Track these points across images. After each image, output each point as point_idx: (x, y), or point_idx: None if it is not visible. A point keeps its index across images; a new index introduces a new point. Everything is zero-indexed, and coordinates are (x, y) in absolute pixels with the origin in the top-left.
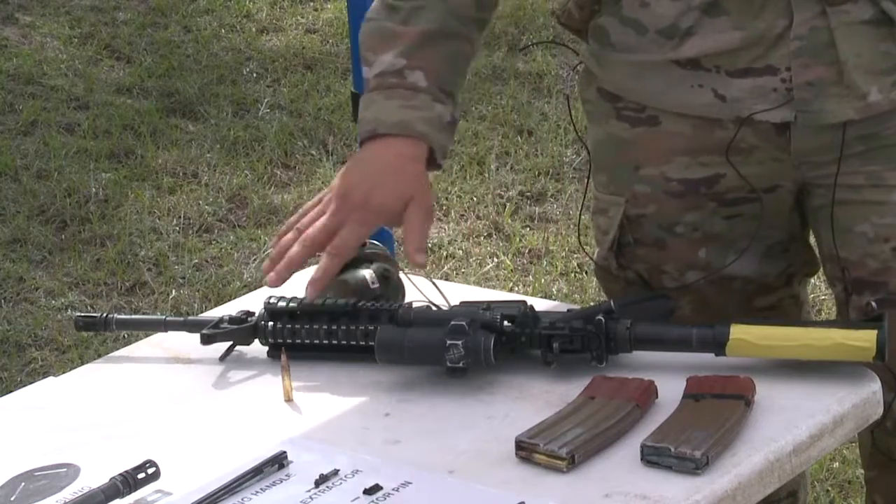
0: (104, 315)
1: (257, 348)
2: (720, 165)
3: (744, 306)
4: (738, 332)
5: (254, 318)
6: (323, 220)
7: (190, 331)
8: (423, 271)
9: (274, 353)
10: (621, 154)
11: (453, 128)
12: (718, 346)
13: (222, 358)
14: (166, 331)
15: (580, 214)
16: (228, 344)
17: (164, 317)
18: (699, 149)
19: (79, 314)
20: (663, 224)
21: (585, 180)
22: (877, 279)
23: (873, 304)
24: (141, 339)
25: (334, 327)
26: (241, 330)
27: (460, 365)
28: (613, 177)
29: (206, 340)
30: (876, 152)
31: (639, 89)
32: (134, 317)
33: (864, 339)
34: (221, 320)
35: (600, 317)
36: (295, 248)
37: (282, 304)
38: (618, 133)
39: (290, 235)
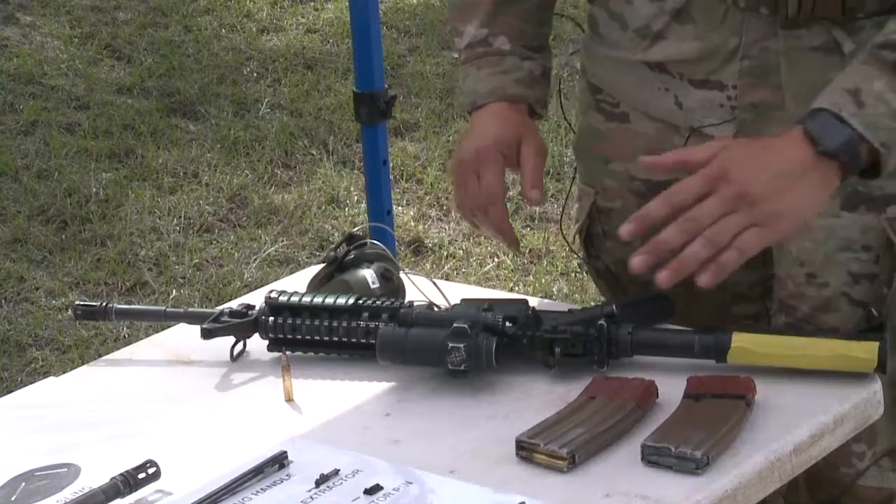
0: (104, 304)
1: (258, 349)
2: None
3: (720, 313)
4: (740, 340)
5: (255, 312)
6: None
7: (190, 322)
8: (424, 271)
9: (273, 347)
10: (595, 145)
11: (548, 78)
12: (720, 353)
13: (234, 359)
14: (166, 321)
15: (563, 210)
16: (228, 339)
17: (163, 307)
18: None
19: (78, 302)
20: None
21: (571, 176)
22: (790, 302)
23: (874, 311)
24: (141, 339)
25: (335, 324)
26: (242, 324)
27: (461, 368)
28: (587, 167)
29: (207, 335)
30: None
31: (615, 84)
32: (134, 307)
33: (866, 351)
34: (222, 313)
35: (602, 321)
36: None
37: (283, 298)
38: (594, 124)
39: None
